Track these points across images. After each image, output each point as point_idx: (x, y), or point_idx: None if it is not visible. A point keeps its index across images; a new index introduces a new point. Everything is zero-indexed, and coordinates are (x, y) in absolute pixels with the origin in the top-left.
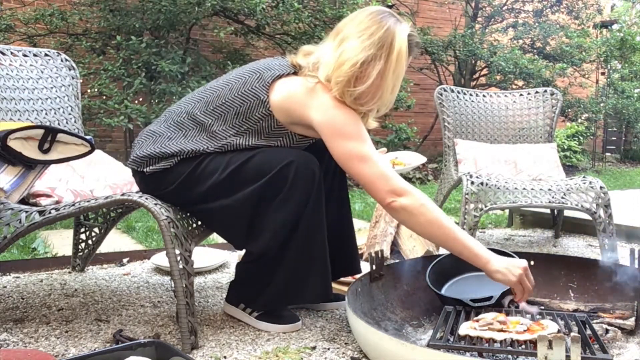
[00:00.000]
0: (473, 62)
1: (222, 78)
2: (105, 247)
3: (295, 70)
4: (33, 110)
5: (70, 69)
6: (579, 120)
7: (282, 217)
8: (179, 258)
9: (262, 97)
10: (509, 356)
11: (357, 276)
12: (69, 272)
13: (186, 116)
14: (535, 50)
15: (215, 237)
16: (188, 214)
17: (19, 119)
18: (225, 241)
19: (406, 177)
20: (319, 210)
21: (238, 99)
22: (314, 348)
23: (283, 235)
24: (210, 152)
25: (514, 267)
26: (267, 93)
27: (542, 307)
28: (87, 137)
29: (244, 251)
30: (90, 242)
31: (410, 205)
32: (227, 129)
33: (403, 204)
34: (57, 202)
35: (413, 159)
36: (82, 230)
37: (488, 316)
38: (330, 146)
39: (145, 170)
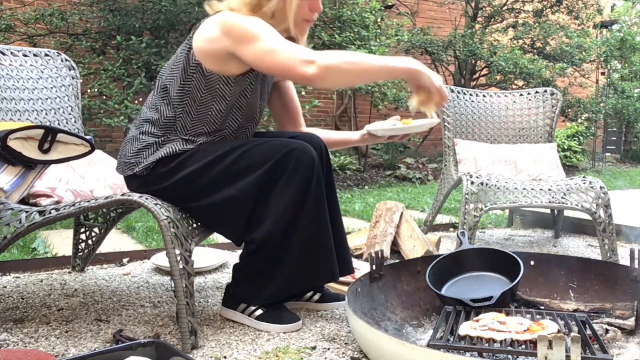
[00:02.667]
0: (473, 62)
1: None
2: (105, 247)
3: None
4: (33, 110)
5: (70, 69)
6: (579, 120)
7: (284, 203)
8: (179, 258)
9: (188, 53)
10: (509, 356)
11: (357, 276)
12: (69, 272)
13: (147, 110)
14: (535, 50)
15: (216, 237)
16: (188, 215)
17: (19, 119)
18: (225, 241)
19: (406, 177)
20: (320, 196)
21: (175, 69)
22: (314, 348)
23: (285, 221)
24: (183, 135)
25: (437, 78)
26: (190, 46)
27: (542, 307)
28: (87, 137)
29: (242, 250)
30: (90, 242)
31: (328, 63)
32: (176, 96)
33: (321, 66)
34: (57, 202)
35: (422, 121)
36: (82, 230)
37: (488, 316)
38: (242, 56)
39: (135, 171)
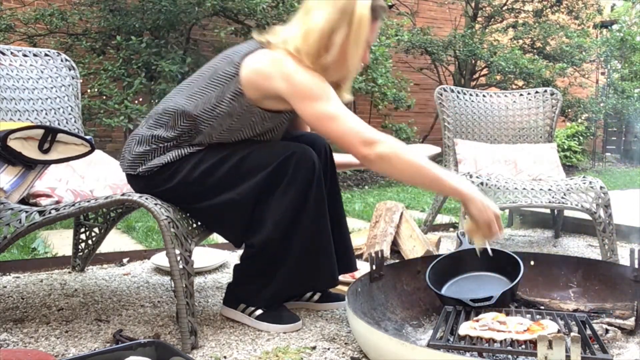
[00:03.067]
0: (473, 62)
1: (196, 72)
2: (105, 247)
3: (264, 47)
4: (33, 110)
5: (70, 69)
6: (579, 120)
7: (283, 208)
8: (179, 258)
9: (233, 77)
10: (509, 356)
11: (357, 276)
12: (69, 272)
13: (162, 111)
14: (535, 50)
15: (215, 237)
16: (188, 214)
17: (19, 119)
18: (225, 241)
19: None
20: (320, 200)
21: (212, 85)
22: (314, 348)
23: (284, 226)
24: (194, 143)
25: (489, 209)
26: (238, 71)
27: (542, 307)
28: (87, 137)
29: (242, 251)
30: (90, 242)
31: (385, 151)
32: (203, 113)
33: (378, 152)
34: (57, 202)
35: (426, 148)
36: (82, 230)
37: (488, 316)
38: (298, 110)
39: (139, 170)
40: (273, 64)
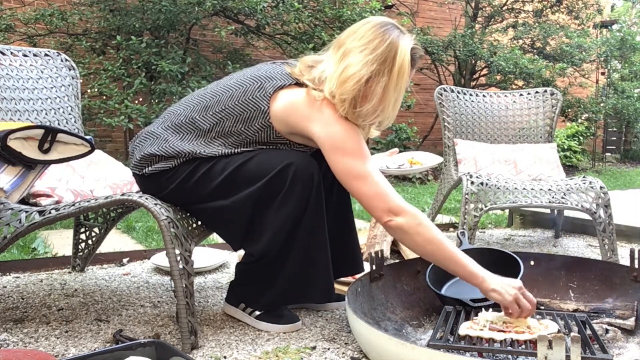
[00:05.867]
0: (473, 62)
1: (222, 82)
2: (105, 247)
3: (297, 82)
4: (33, 110)
5: (70, 69)
6: (579, 120)
7: (281, 219)
8: (179, 258)
9: (263, 108)
10: (509, 356)
11: (357, 276)
12: (69, 272)
13: (184, 119)
14: (535, 50)
15: (215, 237)
16: (188, 214)
17: (19, 119)
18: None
19: (406, 176)
20: (319, 212)
21: (238, 107)
22: (314, 348)
23: (283, 236)
24: (207, 156)
25: (509, 287)
26: (269, 104)
27: (542, 307)
28: (87, 137)
29: (243, 251)
30: (90, 242)
31: (407, 224)
32: (225, 137)
33: (400, 223)
34: (57, 202)
35: (430, 158)
36: (82, 230)
37: (488, 316)
38: (329, 160)
39: (144, 171)
40: (312, 106)
